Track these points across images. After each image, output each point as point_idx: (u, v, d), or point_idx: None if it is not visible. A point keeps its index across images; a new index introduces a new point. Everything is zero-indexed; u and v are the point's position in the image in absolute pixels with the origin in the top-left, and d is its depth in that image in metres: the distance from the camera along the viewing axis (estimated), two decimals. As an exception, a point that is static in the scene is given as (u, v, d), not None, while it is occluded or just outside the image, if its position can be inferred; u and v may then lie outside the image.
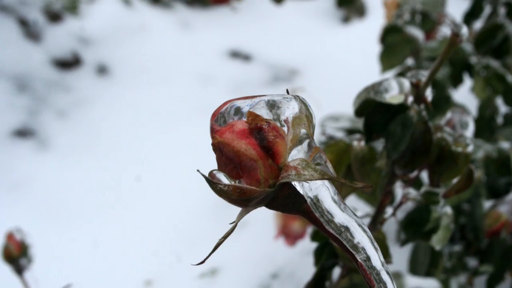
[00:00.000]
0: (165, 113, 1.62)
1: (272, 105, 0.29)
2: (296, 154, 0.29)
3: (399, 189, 0.73)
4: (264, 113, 0.29)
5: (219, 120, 0.29)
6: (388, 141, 0.53)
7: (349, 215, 0.29)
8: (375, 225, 0.58)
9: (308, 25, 1.99)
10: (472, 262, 1.01)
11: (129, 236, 1.28)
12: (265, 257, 1.20)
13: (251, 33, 1.95)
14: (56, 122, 1.56)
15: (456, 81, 1.03)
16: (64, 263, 1.20)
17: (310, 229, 1.03)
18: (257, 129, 0.28)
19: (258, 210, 0.31)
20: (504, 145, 0.94)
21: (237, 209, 0.30)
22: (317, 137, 0.93)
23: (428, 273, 0.87)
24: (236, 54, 1.89)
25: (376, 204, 0.58)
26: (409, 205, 0.59)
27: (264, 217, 1.17)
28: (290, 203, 0.30)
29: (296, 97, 0.30)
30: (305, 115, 0.30)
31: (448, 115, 0.60)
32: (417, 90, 0.52)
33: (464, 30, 0.47)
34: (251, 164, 0.28)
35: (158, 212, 1.34)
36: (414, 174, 0.58)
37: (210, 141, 0.29)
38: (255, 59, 1.87)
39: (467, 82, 1.06)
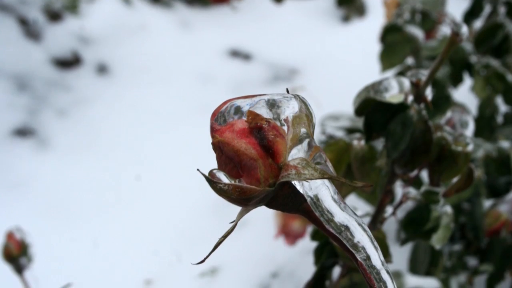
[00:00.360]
0: (165, 113, 1.62)
1: (272, 104, 0.29)
2: (296, 153, 0.29)
3: (399, 188, 0.73)
4: (264, 112, 0.29)
5: (219, 119, 0.29)
6: (388, 140, 0.53)
7: (349, 214, 0.29)
8: (375, 224, 0.58)
9: (308, 24, 1.99)
10: (472, 261, 1.01)
11: (129, 236, 1.28)
12: (265, 256, 1.20)
13: (251, 32, 1.95)
14: (56, 122, 1.56)
15: (456, 80, 1.03)
16: (64, 263, 1.20)
17: (310, 228, 1.03)
18: (257, 128, 0.28)
19: (258, 209, 0.31)
20: (504, 144, 0.94)
21: (237, 209, 0.30)
22: (317, 136, 0.93)
23: (428, 273, 0.87)
24: (236, 54, 1.89)
25: (376, 203, 0.58)
26: (409, 204, 0.59)
27: (264, 217, 1.17)
28: (290, 202, 0.29)
29: (296, 96, 0.30)
30: (305, 114, 0.30)
31: (448, 114, 0.60)
32: (417, 89, 0.52)
33: (464, 29, 0.47)
34: (251, 163, 0.28)
35: (158, 212, 1.34)
36: (414, 173, 0.58)
37: (210, 140, 0.29)
38: (255, 58, 1.87)
39: (467, 81, 1.06)
